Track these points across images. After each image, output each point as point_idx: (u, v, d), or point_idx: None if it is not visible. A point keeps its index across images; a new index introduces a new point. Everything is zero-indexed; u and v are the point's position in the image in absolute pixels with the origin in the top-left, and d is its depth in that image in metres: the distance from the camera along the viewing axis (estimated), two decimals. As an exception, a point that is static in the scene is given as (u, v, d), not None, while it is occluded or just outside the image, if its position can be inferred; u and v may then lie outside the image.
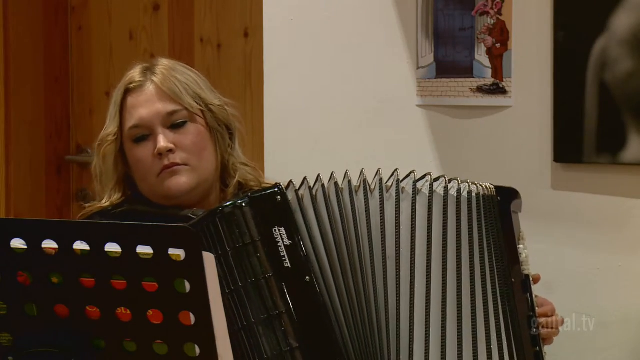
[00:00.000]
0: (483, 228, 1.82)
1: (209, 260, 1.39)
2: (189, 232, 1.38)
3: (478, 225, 1.81)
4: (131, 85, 1.95)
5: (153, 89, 1.93)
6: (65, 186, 3.35)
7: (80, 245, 1.38)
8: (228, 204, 1.74)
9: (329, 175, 1.80)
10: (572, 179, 2.35)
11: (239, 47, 2.99)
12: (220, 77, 3.03)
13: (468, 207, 1.81)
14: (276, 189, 1.76)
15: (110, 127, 1.96)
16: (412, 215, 1.79)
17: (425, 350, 1.77)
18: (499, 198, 1.85)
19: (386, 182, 1.80)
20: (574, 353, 2.36)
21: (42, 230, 1.40)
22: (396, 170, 1.81)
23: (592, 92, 2.28)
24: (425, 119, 2.51)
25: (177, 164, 1.90)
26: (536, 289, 2.36)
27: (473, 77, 2.43)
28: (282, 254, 1.73)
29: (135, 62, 2.00)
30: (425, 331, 1.77)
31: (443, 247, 1.79)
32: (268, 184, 2.02)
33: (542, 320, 1.89)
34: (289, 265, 1.73)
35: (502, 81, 2.40)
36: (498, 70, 2.40)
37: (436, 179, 1.81)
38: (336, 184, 1.78)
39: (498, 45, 2.40)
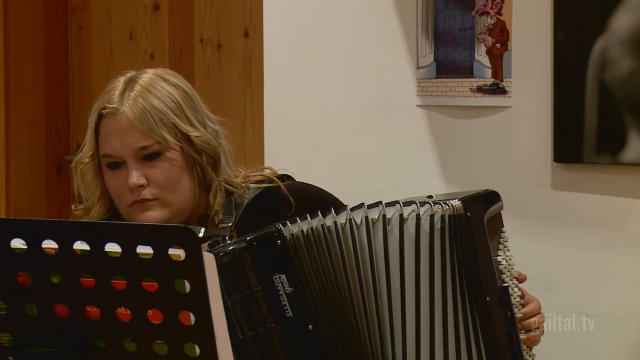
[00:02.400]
0: (461, 253, 1.73)
1: (209, 260, 1.39)
2: (189, 232, 1.38)
3: (450, 252, 1.73)
4: (104, 111, 1.86)
5: (125, 119, 1.83)
6: (65, 186, 3.35)
7: (80, 245, 1.38)
8: (228, 249, 1.65)
9: (318, 214, 1.71)
10: (572, 179, 2.35)
11: (239, 47, 2.99)
12: (220, 77, 3.03)
13: (441, 235, 1.72)
14: (274, 231, 1.67)
15: (86, 150, 1.90)
16: (400, 252, 1.71)
17: None
18: (468, 214, 1.73)
19: (370, 211, 1.72)
20: (574, 353, 2.36)
21: (42, 230, 1.40)
22: (381, 202, 1.73)
23: (592, 92, 2.29)
24: (425, 119, 2.51)
25: (148, 200, 1.83)
26: (536, 290, 2.36)
27: (473, 77, 2.43)
28: (284, 303, 1.65)
29: (119, 75, 1.92)
30: None
31: (430, 281, 1.72)
32: (260, 176, 1.95)
33: (524, 322, 1.83)
34: (290, 314, 1.65)
35: (502, 81, 2.40)
36: (498, 70, 2.41)
37: (406, 203, 1.73)
38: (323, 225, 1.69)
39: (498, 45, 2.40)
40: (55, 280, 1.41)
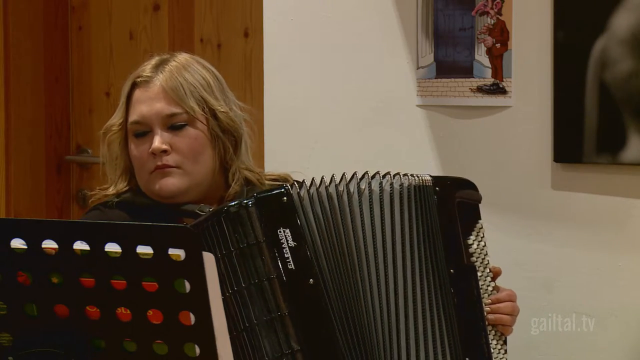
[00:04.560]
0: (425, 221, 1.84)
1: (209, 260, 1.39)
2: (189, 232, 1.38)
3: (409, 217, 1.83)
4: (138, 79, 1.94)
5: (158, 87, 1.92)
6: (65, 186, 3.35)
7: (80, 245, 1.38)
8: (234, 203, 1.73)
9: (320, 178, 1.81)
10: (572, 179, 2.35)
11: (239, 47, 2.99)
12: (220, 77, 3.03)
13: (399, 200, 1.83)
14: (282, 190, 1.76)
15: (116, 117, 1.97)
16: (381, 215, 1.81)
17: (407, 346, 1.80)
18: (437, 188, 1.86)
19: (359, 183, 1.82)
20: (574, 353, 2.36)
21: (42, 230, 1.40)
22: (366, 172, 1.83)
23: (592, 92, 2.29)
24: (425, 119, 2.51)
25: (169, 166, 1.90)
26: (536, 290, 2.37)
27: (473, 77, 2.43)
28: (287, 256, 1.72)
29: (154, 54, 2.00)
30: (394, 327, 1.80)
31: (392, 245, 1.82)
32: (276, 175, 2.04)
33: (489, 307, 1.88)
34: (292, 267, 1.72)
35: (502, 81, 2.40)
36: (498, 70, 2.40)
37: (373, 176, 1.83)
38: (327, 187, 1.79)
39: (498, 45, 2.40)
40: (55, 280, 1.41)
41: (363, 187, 1.81)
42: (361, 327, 1.77)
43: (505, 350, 1.90)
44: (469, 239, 1.88)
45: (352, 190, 1.80)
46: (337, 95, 2.60)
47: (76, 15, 3.30)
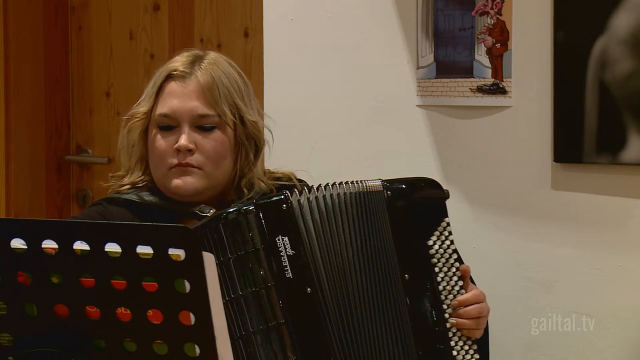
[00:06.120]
0: (369, 227, 1.83)
1: (209, 260, 1.39)
2: (189, 232, 1.38)
3: (359, 227, 1.82)
4: (175, 72, 1.92)
5: (194, 84, 1.90)
6: (65, 186, 3.35)
7: (80, 245, 1.38)
8: (232, 209, 1.73)
9: (317, 185, 1.81)
10: (572, 179, 2.35)
11: (239, 47, 2.99)
12: (220, 77, 3.02)
13: (345, 210, 1.82)
14: (282, 197, 1.75)
15: (143, 106, 1.94)
16: (329, 226, 1.81)
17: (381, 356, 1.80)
18: (388, 193, 1.85)
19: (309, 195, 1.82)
20: (574, 353, 2.36)
21: (42, 230, 1.40)
22: (312, 185, 1.83)
23: (592, 92, 2.28)
24: (425, 119, 2.51)
25: (191, 165, 1.89)
26: (536, 290, 2.37)
27: (473, 77, 2.43)
28: (285, 264, 1.71)
29: (185, 49, 2.00)
30: (372, 337, 1.80)
31: (351, 254, 1.82)
32: (280, 173, 2.04)
33: (460, 311, 1.86)
34: (290, 275, 1.71)
35: (502, 81, 2.40)
36: (498, 70, 2.40)
37: (318, 187, 1.82)
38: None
39: (498, 45, 2.40)
40: (55, 280, 1.41)
41: (313, 199, 1.79)
42: (356, 337, 1.76)
43: (475, 351, 1.87)
44: (430, 240, 1.86)
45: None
46: (337, 95, 2.60)
47: (76, 15, 3.31)
